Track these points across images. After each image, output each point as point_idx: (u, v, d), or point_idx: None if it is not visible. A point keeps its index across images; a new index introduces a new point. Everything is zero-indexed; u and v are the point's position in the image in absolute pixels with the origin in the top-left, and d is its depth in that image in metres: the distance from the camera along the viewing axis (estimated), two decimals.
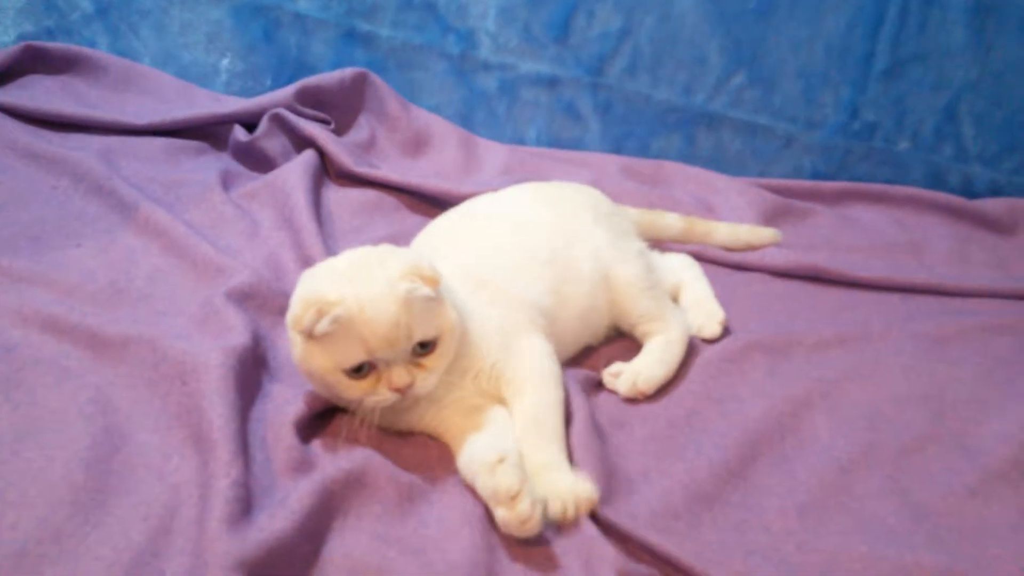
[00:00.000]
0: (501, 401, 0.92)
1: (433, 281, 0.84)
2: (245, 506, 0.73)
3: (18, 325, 0.92)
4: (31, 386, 0.86)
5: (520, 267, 1.00)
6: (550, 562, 0.77)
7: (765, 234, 1.36)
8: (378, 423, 0.87)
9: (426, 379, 0.84)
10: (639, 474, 0.90)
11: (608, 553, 0.75)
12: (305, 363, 0.83)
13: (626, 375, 1.01)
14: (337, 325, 0.80)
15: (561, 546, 0.78)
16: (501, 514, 0.77)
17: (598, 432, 0.93)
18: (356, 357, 0.81)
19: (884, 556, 0.81)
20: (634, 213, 1.27)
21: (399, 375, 0.82)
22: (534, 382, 0.91)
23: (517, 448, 0.84)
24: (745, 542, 0.82)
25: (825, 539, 0.83)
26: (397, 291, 0.81)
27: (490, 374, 0.91)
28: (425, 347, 0.84)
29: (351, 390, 0.83)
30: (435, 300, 0.84)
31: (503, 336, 0.93)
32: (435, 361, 0.85)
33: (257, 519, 0.72)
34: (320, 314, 0.80)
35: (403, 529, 0.78)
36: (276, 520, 0.72)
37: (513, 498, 0.76)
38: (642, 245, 1.15)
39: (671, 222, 1.31)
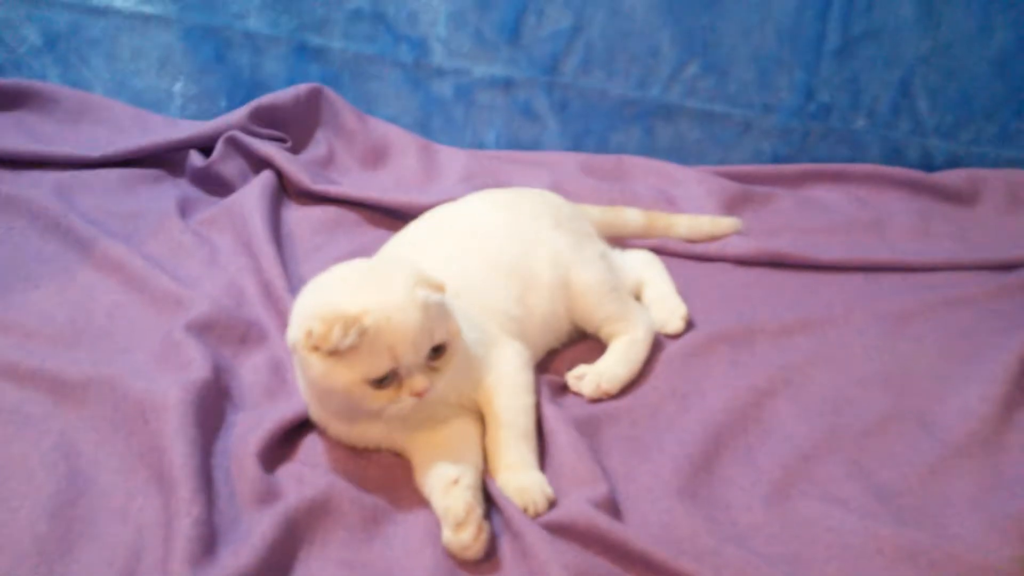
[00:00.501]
0: (472, 411, 0.93)
1: (440, 288, 0.86)
2: (208, 544, 0.73)
3: None
4: None
5: (486, 277, 1.01)
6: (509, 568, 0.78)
7: (725, 224, 1.37)
8: (349, 438, 0.89)
9: (439, 381, 0.85)
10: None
11: (570, 560, 0.76)
12: (327, 380, 0.82)
13: (590, 377, 1.02)
14: (363, 337, 0.80)
15: (519, 552, 0.79)
16: (446, 535, 0.79)
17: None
18: (384, 366, 0.82)
19: (849, 544, 0.82)
20: (595, 212, 1.28)
21: (419, 381, 0.83)
22: (507, 385, 0.93)
23: (476, 469, 0.86)
24: (716, 533, 0.82)
25: (791, 530, 0.84)
26: (417, 298, 0.83)
27: (468, 380, 0.92)
28: (437, 351, 0.85)
29: (376, 400, 0.83)
30: (443, 305, 0.86)
31: (482, 345, 0.94)
32: (446, 363, 0.86)
33: (221, 556, 0.73)
34: (346, 328, 0.79)
35: (368, 553, 0.78)
36: (240, 556, 0.73)
37: (460, 524, 0.77)
38: (603, 247, 1.15)
39: (632, 218, 1.32)
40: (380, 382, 0.82)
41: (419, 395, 0.83)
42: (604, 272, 1.09)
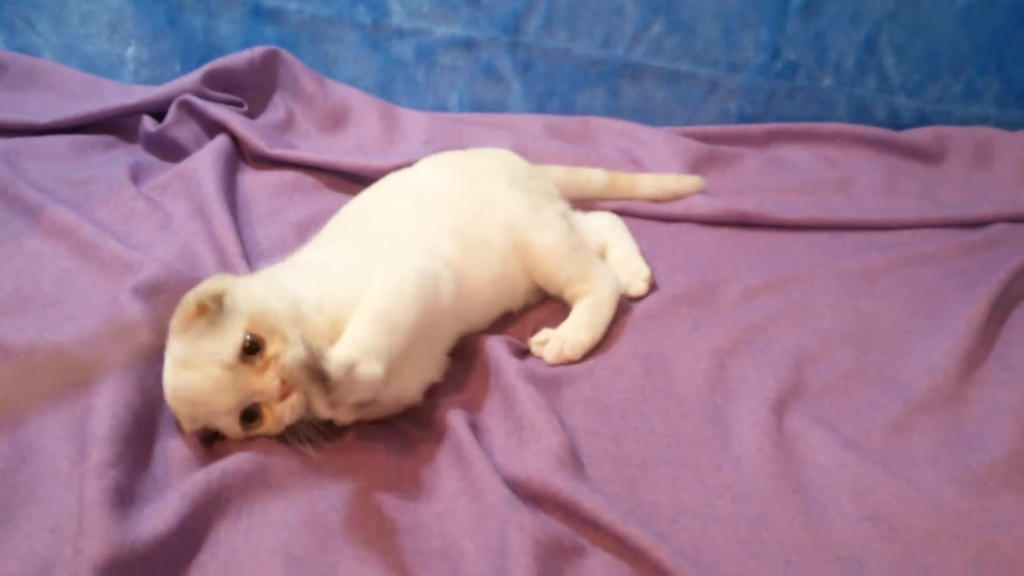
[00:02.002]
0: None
1: (214, 298, 0.80)
2: (124, 509, 0.71)
3: None
4: None
5: (419, 238, 0.97)
6: (464, 530, 0.77)
7: (689, 182, 1.35)
8: None
9: (287, 361, 0.76)
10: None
11: (526, 521, 0.75)
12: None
13: (553, 343, 1.00)
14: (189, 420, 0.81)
15: (477, 513, 0.78)
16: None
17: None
18: (231, 415, 0.80)
19: (814, 501, 0.81)
20: (557, 172, 1.26)
21: (265, 388, 0.78)
22: (383, 279, 0.85)
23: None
24: (679, 501, 0.81)
25: (760, 486, 0.83)
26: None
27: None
28: (254, 350, 0.78)
29: (269, 430, 0.80)
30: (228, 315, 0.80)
31: (365, 267, 0.88)
32: (274, 344, 0.79)
33: (136, 521, 0.71)
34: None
35: (308, 514, 0.76)
36: (154, 521, 0.71)
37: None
38: (564, 207, 1.13)
39: (593, 177, 1.30)
40: (247, 421, 0.80)
41: (283, 395, 0.78)
42: (564, 232, 1.07)
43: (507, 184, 1.07)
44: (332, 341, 0.78)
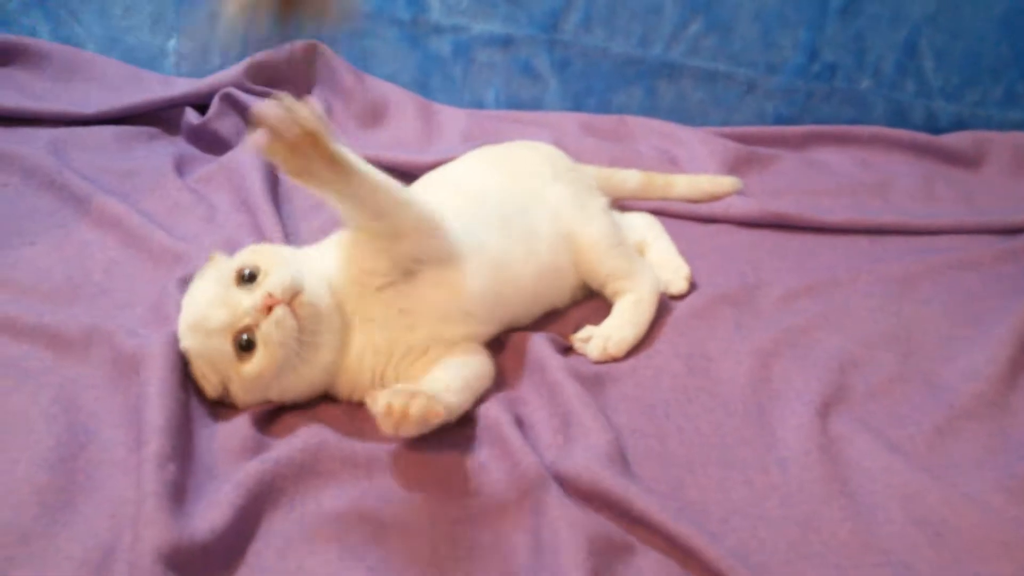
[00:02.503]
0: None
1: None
2: (179, 500, 0.72)
3: None
4: None
5: (466, 231, 0.97)
6: (514, 525, 0.77)
7: (725, 183, 1.35)
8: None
9: (273, 278, 0.83)
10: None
11: (577, 517, 0.75)
12: (248, 397, 0.86)
13: (596, 340, 1.01)
14: (201, 363, 0.85)
15: (526, 509, 0.78)
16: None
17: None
18: (227, 345, 0.83)
19: (862, 506, 0.81)
20: (591, 171, 1.26)
21: (251, 304, 0.82)
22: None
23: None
24: (727, 501, 0.81)
25: (807, 489, 0.82)
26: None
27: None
28: (252, 279, 0.84)
29: (263, 360, 0.82)
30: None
31: None
32: (274, 271, 0.84)
33: (193, 513, 0.72)
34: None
35: (362, 505, 0.77)
36: (212, 513, 0.72)
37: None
38: (605, 201, 1.14)
39: (628, 177, 1.31)
40: (249, 348, 0.82)
41: (268, 304, 0.81)
42: (608, 226, 1.07)
43: (552, 177, 1.08)
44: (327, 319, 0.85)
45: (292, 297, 0.82)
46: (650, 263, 1.14)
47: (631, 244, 1.13)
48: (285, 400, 0.88)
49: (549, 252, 1.03)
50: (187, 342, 0.85)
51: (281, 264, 0.85)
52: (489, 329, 0.98)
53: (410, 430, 0.77)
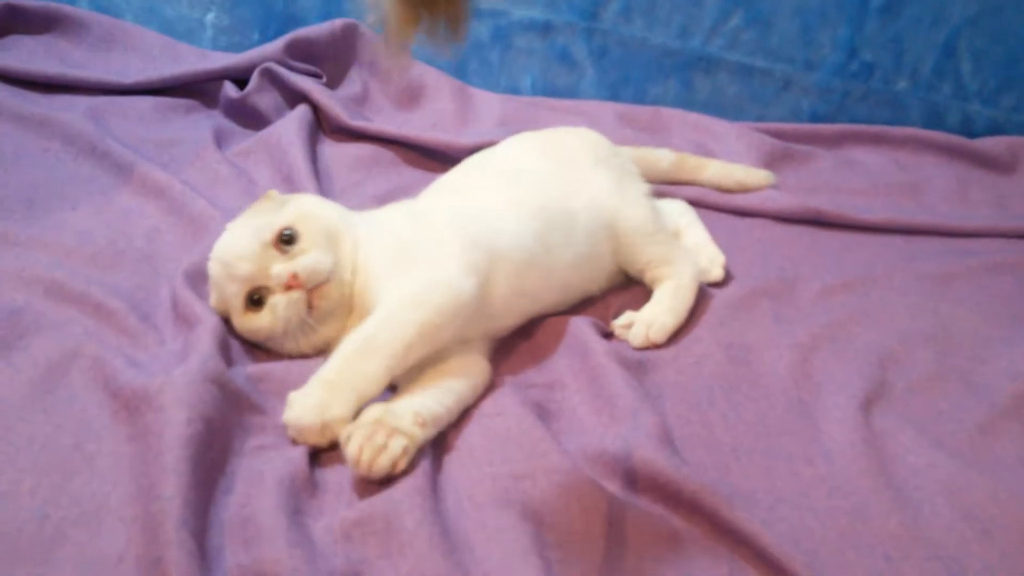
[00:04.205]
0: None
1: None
2: None
3: (20, 289, 0.91)
4: (34, 351, 0.85)
5: (498, 214, 0.97)
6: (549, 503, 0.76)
7: (759, 175, 1.35)
8: None
9: (305, 260, 0.84)
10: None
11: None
12: (242, 334, 0.89)
13: (637, 326, 1.00)
14: (215, 280, 0.88)
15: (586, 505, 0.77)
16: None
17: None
18: (238, 287, 0.85)
19: (910, 499, 0.81)
20: (625, 151, 1.25)
21: (277, 273, 0.84)
22: (396, 297, 0.83)
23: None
24: (775, 489, 0.81)
25: (854, 481, 0.82)
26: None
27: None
28: (290, 241, 0.86)
29: (262, 317, 0.85)
30: (276, 200, 0.92)
31: (401, 251, 0.89)
32: (310, 244, 0.86)
33: None
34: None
35: None
36: None
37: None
38: (646, 187, 1.13)
39: (661, 156, 1.31)
40: (257, 304, 0.85)
41: (290, 284, 0.83)
42: (649, 212, 1.07)
43: (593, 162, 1.08)
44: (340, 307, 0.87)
45: (315, 287, 0.84)
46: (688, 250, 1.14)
47: (671, 231, 1.13)
48: (271, 349, 0.90)
49: (587, 240, 1.02)
50: (212, 265, 0.88)
51: (322, 245, 0.86)
52: (509, 324, 0.98)
53: (380, 473, 0.74)
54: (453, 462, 0.79)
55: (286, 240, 0.86)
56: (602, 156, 1.11)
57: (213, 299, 0.90)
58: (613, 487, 0.77)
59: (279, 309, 0.83)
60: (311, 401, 0.76)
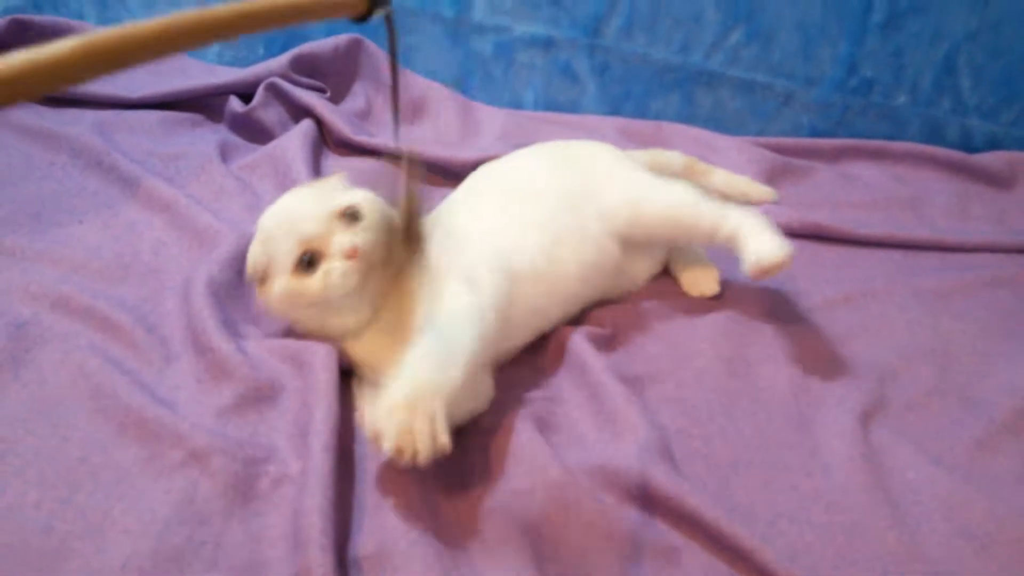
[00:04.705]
0: None
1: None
2: None
3: (27, 302, 0.91)
4: (40, 364, 0.85)
5: (513, 237, 0.98)
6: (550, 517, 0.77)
7: (762, 189, 1.36)
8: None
9: (367, 235, 0.85)
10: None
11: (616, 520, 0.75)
12: (281, 303, 0.87)
13: (748, 256, 0.99)
14: (268, 238, 0.86)
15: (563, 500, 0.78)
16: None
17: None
18: (294, 247, 0.84)
19: (907, 515, 0.81)
20: (637, 154, 1.27)
21: (340, 240, 0.84)
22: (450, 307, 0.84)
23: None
24: (774, 504, 0.82)
25: (852, 496, 0.83)
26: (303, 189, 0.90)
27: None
28: (353, 217, 0.86)
29: (314, 282, 0.84)
30: (343, 180, 0.93)
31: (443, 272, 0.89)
32: (370, 224, 0.86)
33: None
34: (254, 246, 0.87)
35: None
36: None
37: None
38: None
39: (673, 159, 1.32)
40: (308, 266, 0.84)
41: (349, 254, 0.83)
42: (679, 186, 1.07)
43: (605, 170, 1.08)
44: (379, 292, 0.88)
45: (369, 265, 0.84)
46: (682, 267, 1.15)
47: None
48: (294, 327, 0.91)
49: (595, 251, 1.03)
50: (267, 221, 0.88)
51: (382, 230, 0.86)
52: (519, 344, 0.98)
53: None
54: (451, 477, 0.80)
55: (352, 216, 0.86)
56: (612, 163, 1.11)
57: (253, 259, 0.87)
58: (613, 501, 0.78)
59: (334, 275, 0.83)
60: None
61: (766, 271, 0.99)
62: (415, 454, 0.69)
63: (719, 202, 1.06)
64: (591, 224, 1.03)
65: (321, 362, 0.86)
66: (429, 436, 0.69)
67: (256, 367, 0.86)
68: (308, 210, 0.86)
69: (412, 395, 0.70)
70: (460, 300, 0.85)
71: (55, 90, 0.42)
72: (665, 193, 1.06)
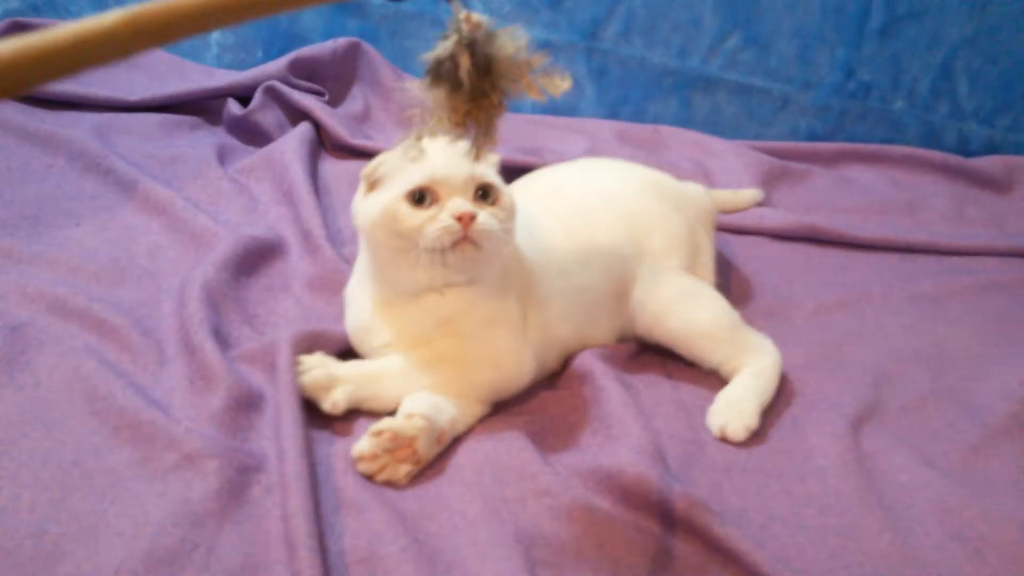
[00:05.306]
0: None
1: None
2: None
3: (24, 305, 0.92)
4: (36, 367, 0.85)
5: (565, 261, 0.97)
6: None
7: (745, 196, 1.35)
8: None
9: (489, 219, 0.83)
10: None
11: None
12: (374, 212, 0.85)
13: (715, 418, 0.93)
14: (406, 152, 0.78)
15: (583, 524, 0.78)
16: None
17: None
18: (422, 177, 0.83)
19: (901, 518, 0.81)
20: (723, 194, 1.28)
21: (461, 203, 0.82)
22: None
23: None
24: (767, 507, 0.82)
25: (845, 500, 0.83)
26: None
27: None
28: (485, 195, 0.85)
29: (415, 216, 0.83)
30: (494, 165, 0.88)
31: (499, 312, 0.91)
32: (499, 212, 0.85)
33: None
34: (387, 156, 0.85)
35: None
36: None
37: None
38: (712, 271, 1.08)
39: (747, 197, 1.33)
40: (420, 201, 0.83)
41: (461, 219, 0.82)
42: (717, 312, 1.01)
43: (658, 253, 1.02)
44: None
45: (467, 243, 0.83)
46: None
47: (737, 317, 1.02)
48: (376, 249, 0.88)
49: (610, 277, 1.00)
50: (411, 143, 0.78)
51: (497, 238, 0.85)
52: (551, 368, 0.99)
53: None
54: (443, 483, 0.80)
55: (484, 194, 0.85)
56: (670, 246, 1.03)
57: (381, 160, 0.86)
58: (606, 504, 0.78)
59: (438, 224, 0.82)
60: None
61: (720, 438, 0.92)
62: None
63: (743, 334, 0.99)
64: (615, 264, 1.00)
65: (284, 363, 0.86)
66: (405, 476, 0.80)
67: (239, 374, 0.87)
68: (458, 160, 0.83)
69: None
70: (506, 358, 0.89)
71: (100, 63, 0.41)
72: (691, 315, 0.99)
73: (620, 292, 1.00)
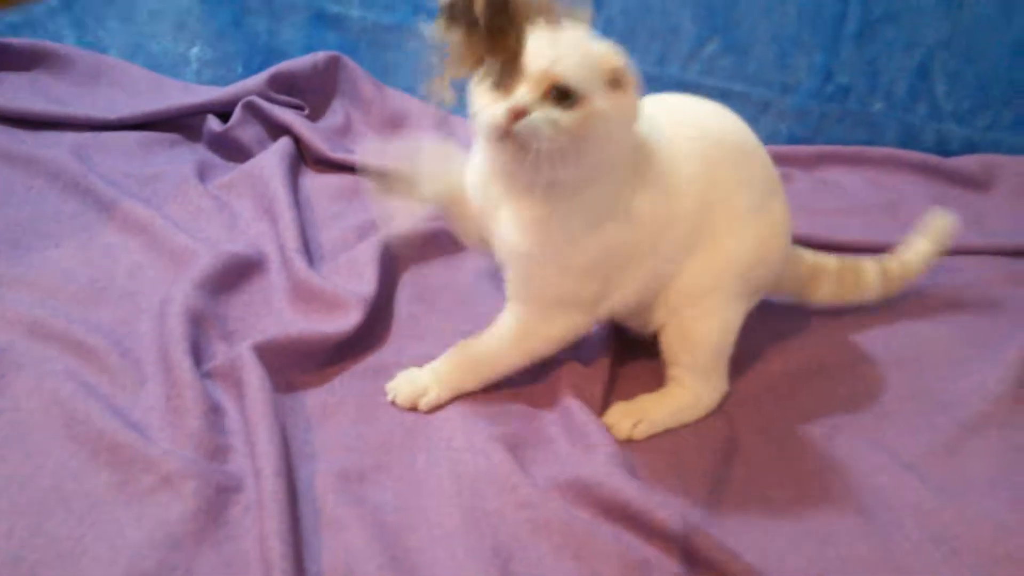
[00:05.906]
0: None
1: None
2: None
3: (2, 328, 0.92)
4: (15, 390, 0.86)
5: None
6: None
7: None
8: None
9: (542, 121, 0.75)
10: None
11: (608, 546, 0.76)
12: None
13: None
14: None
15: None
16: None
17: None
18: (502, 49, 0.75)
19: (877, 523, 0.82)
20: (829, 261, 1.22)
21: (520, 95, 0.74)
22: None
23: None
24: (745, 514, 0.82)
25: (821, 505, 0.84)
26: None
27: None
28: (563, 98, 0.76)
29: (482, 96, 0.78)
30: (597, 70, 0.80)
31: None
32: (567, 118, 0.76)
33: None
34: None
35: None
36: None
37: None
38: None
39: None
40: (494, 85, 0.76)
41: (512, 111, 0.74)
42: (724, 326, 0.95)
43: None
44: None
45: (502, 132, 0.77)
46: None
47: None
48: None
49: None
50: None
51: (594, 144, 0.80)
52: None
53: None
54: (423, 496, 0.81)
55: (560, 96, 0.76)
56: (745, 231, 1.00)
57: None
58: (585, 515, 0.79)
59: (484, 113, 0.77)
60: None
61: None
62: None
63: (717, 363, 0.96)
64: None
65: (257, 382, 0.86)
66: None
67: (217, 393, 0.87)
68: (549, 50, 0.76)
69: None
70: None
71: None
72: (706, 323, 0.94)
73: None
